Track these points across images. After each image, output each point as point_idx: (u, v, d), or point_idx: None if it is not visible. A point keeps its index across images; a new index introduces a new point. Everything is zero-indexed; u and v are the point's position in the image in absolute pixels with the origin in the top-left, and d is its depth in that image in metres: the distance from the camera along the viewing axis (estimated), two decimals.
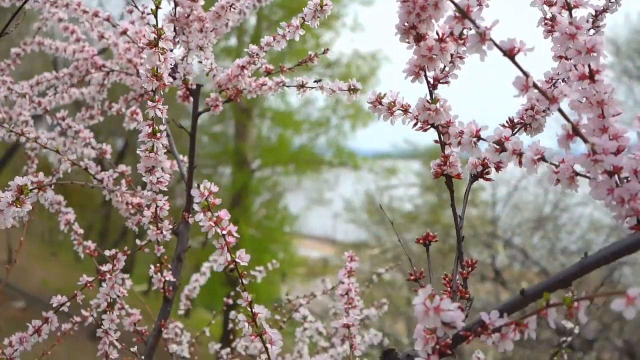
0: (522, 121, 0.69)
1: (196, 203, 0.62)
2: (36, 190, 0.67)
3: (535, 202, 7.92)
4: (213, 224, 0.63)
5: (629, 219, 0.52)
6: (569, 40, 0.54)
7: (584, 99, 0.55)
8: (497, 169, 0.69)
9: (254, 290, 1.42)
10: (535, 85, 0.51)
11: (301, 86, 0.94)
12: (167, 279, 0.98)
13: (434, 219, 9.31)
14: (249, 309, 0.66)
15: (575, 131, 0.52)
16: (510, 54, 0.51)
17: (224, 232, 0.63)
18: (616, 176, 0.53)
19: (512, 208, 7.73)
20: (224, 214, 0.64)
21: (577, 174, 0.56)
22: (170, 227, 0.92)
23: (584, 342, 6.20)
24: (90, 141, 1.12)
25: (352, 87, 0.86)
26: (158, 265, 0.98)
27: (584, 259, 0.51)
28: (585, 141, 0.52)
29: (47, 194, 0.68)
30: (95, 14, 1.11)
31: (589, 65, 0.54)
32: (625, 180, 0.52)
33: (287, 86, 0.97)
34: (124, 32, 1.05)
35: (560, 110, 0.52)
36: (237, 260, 0.64)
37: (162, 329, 1.00)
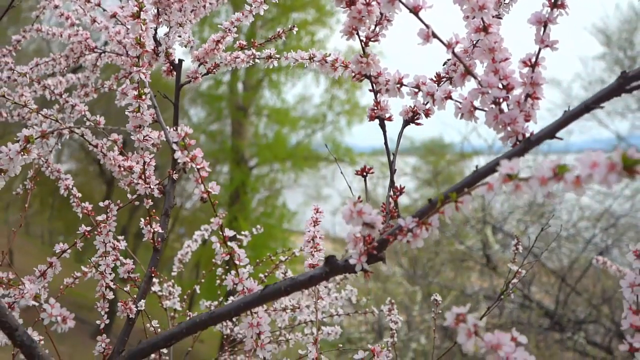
0: (447, 75, 0.83)
1: (174, 142, 0.75)
2: (40, 138, 0.80)
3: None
4: (189, 160, 0.76)
5: (511, 138, 0.65)
6: (465, 1, 0.68)
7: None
8: (426, 115, 0.82)
9: None
10: (434, 35, 0.65)
11: (269, 57, 1.08)
12: (156, 230, 1.12)
13: None
14: (220, 233, 0.79)
15: (467, 71, 0.66)
16: (415, 10, 0.65)
17: (199, 167, 0.77)
18: (505, 106, 0.67)
19: (504, 196, 7.89)
20: (199, 152, 0.77)
21: (476, 107, 0.69)
22: (157, 182, 1.06)
23: (574, 324, 6.36)
24: (85, 114, 1.25)
25: (312, 56, 0.99)
26: (148, 218, 1.11)
27: (476, 171, 0.65)
28: (475, 78, 0.65)
29: (49, 141, 0.82)
30: (87, 0, 1.24)
31: (482, 20, 0.68)
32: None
33: (258, 58, 1.11)
34: (114, 16, 1.18)
35: (455, 55, 0.66)
36: (209, 190, 0.78)
37: (153, 275, 1.13)
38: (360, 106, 11.37)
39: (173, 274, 1.55)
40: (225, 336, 1.51)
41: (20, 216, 1.34)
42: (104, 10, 1.25)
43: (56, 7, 1.34)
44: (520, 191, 0.51)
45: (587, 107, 0.60)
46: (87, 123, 1.24)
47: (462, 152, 9.88)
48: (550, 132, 0.61)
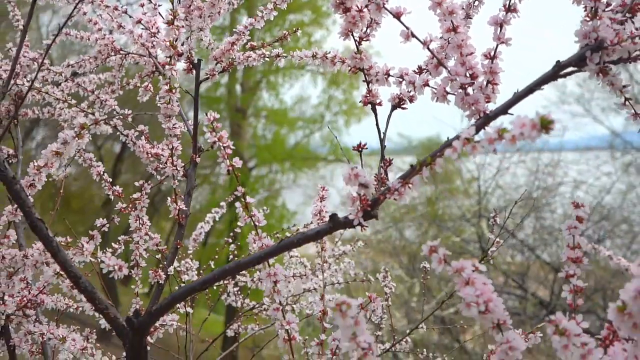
0: (426, 67, 1.00)
1: (205, 125, 0.92)
2: (94, 125, 0.97)
3: (525, 186, 8.30)
4: (217, 140, 0.93)
5: (475, 116, 0.83)
6: (437, 6, 0.85)
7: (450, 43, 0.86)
8: (410, 100, 0.99)
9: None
10: (413, 35, 0.82)
11: (277, 56, 1.25)
12: (180, 208, 1.29)
13: (430, 210, 9.64)
14: (243, 200, 0.96)
15: (439, 63, 0.83)
16: (397, 16, 0.82)
17: (224, 145, 0.94)
18: (471, 90, 0.84)
19: (499, 190, 8.09)
20: (224, 133, 0.94)
21: (447, 92, 0.86)
22: (183, 164, 1.23)
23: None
24: (114, 108, 1.42)
25: (314, 54, 1.17)
26: (174, 197, 1.28)
27: (447, 141, 0.82)
28: (446, 69, 0.83)
29: (102, 127, 0.99)
30: (115, 8, 1.41)
31: (452, 22, 0.85)
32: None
33: (267, 57, 1.28)
34: (139, 21, 1.35)
35: (429, 50, 0.83)
36: (234, 164, 0.95)
37: (178, 247, 1.30)
38: (357, 106, 11.53)
39: (189, 252, 1.72)
40: (238, 309, 1.69)
41: (55, 200, 1.51)
42: (130, 17, 1.42)
43: (85, 14, 1.51)
44: (476, 150, 0.68)
45: (531, 89, 0.77)
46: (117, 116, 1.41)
47: None
48: (503, 110, 0.78)
